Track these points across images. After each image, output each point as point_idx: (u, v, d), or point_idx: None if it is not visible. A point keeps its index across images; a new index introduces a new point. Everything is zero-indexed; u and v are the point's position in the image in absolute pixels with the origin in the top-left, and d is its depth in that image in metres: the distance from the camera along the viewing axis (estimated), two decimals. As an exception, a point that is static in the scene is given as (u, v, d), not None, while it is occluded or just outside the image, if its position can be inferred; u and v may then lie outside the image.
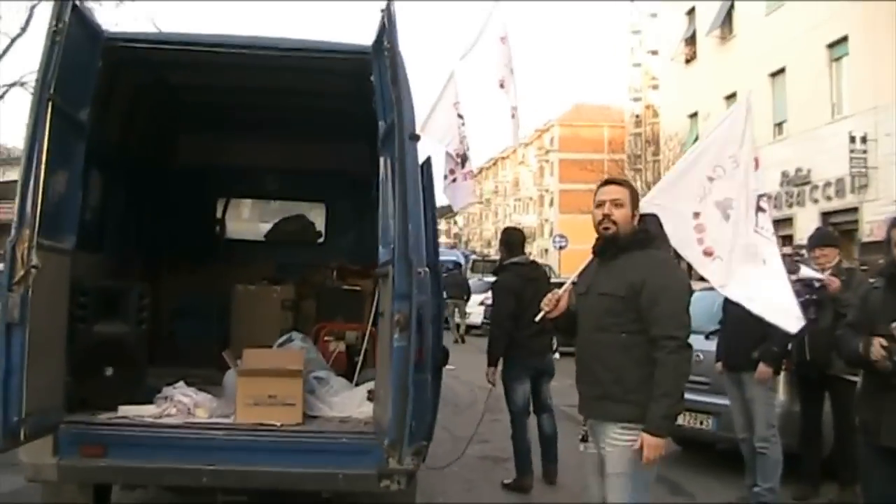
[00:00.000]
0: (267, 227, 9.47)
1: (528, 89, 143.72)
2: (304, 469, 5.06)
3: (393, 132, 4.74)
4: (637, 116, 58.23)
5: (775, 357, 7.12)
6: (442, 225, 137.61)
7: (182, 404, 5.52)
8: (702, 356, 8.19)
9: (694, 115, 33.68)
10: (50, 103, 4.59)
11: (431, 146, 9.19)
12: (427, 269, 5.20)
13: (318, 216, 9.08)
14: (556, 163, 77.40)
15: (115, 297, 5.86)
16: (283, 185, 8.86)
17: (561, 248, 33.91)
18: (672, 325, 4.29)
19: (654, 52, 47.98)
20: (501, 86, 9.42)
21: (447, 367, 16.68)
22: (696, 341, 8.38)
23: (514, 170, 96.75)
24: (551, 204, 79.66)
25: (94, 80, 5.22)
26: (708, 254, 5.23)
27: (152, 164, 7.82)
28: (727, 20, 31.47)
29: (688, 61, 35.28)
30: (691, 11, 34.80)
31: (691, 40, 34.91)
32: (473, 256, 39.46)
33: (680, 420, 8.53)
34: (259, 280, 8.16)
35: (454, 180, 9.38)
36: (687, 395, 8.23)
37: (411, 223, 4.69)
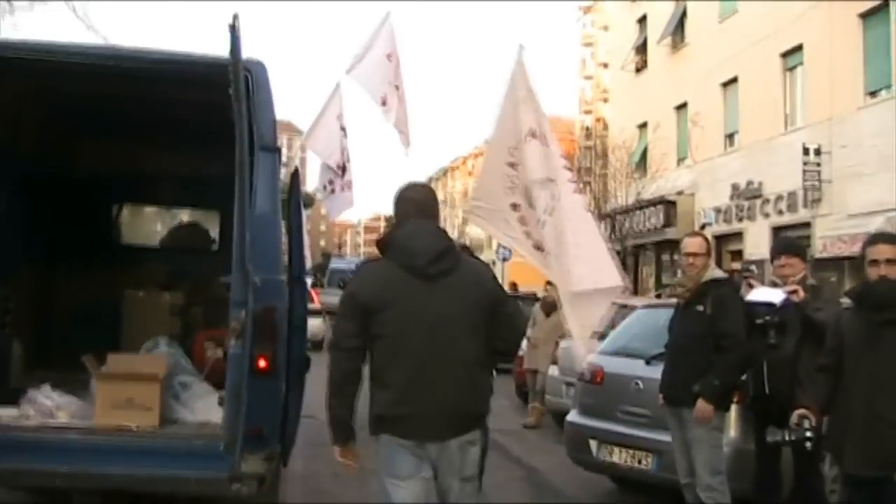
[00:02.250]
0: (162, 233, 9.65)
1: (477, 98, 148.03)
2: (158, 472, 5.14)
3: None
4: (588, 129, 57.63)
5: (717, 392, 5.89)
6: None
7: (44, 406, 5.61)
8: (641, 384, 7.08)
9: (643, 126, 32.78)
10: None
11: (313, 157, 9.84)
12: (279, 277, 5.40)
13: (212, 224, 9.11)
14: (506, 174, 76.88)
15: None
16: (177, 192, 8.98)
17: (504, 259, 33.05)
18: None
19: (605, 66, 47.45)
20: (383, 103, 9.41)
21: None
22: (636, 367, 7.32)
23: (463, 180, 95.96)
24: (500, 215, 78.96)
25: None
26: (538, 248, 5.03)
27: (44, 170, 7.81)
28: (679, 28, 30.54)
29: (638, 70, 34.41)
30: (643, 19, 33.84)
31: (642, 48, 34.02)
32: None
33: (615, 457, 7.41)
34: (152, 286, 8.29)
35: (332, 191, 9.49)
36: (624, 430, 7.27)
37: (249, 232, 4.95)
